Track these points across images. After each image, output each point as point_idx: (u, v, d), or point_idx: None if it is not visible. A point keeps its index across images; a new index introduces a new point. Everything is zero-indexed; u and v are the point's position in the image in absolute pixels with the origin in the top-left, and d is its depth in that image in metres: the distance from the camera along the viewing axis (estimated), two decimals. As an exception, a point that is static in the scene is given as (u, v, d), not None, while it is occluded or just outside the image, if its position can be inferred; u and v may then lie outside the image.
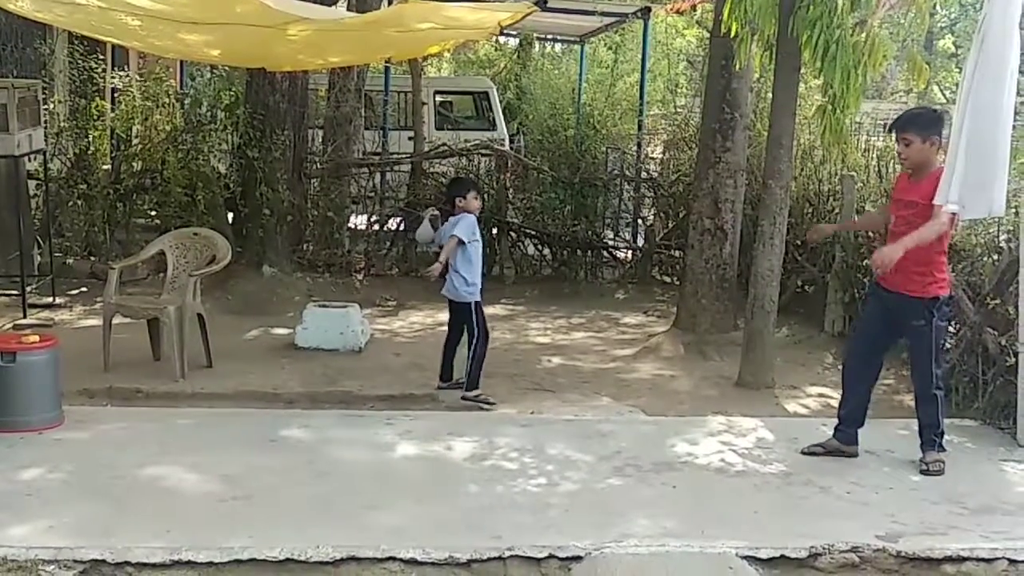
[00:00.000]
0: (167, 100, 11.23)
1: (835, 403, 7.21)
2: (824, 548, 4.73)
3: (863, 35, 6.98)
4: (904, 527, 5.00)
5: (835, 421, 6.13)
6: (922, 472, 5.77)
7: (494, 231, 11.41)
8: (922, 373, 5.86)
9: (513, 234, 11.57)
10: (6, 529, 4.63)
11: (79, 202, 10.87)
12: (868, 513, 5.20)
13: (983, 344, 6.88)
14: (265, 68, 9.62)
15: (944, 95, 27.50)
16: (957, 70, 26.38)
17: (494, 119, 16.68)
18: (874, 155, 9.91)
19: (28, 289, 9.15)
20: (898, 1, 8.43)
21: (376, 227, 11.73)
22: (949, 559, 4.75)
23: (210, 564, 4.42)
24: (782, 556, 4.68)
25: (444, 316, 9.06)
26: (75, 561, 4.40)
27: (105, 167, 11.12)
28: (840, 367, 7.16)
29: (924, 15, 8.22)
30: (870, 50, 6.90)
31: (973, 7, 24.15)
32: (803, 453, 6.03)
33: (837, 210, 9.16)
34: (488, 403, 6.95)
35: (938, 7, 20.85)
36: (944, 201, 6.28)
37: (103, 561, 4.40)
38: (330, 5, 8.50)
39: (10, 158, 9.09)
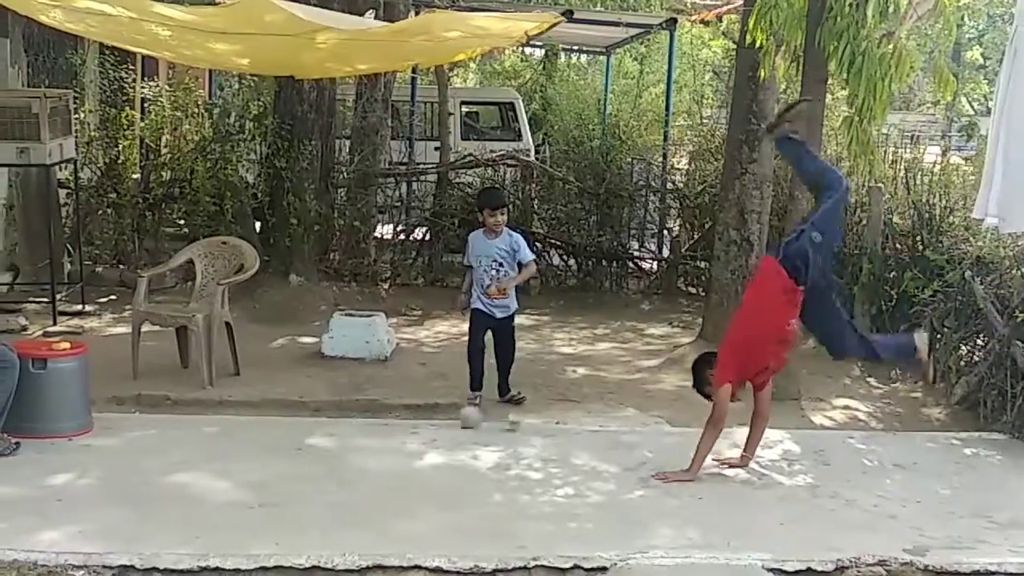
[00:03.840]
0: (196, 110, 11.33)
1: (862, 415, 7.23)
2: (851, 561, 4.70)
3: (890, 46, 6.96)
4: (932, 541, 4.97)
5: (860, 434, 6.08)
6: None
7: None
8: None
9: (538, 244, 11.56)
10: (36, 534, 4.67)
11: (109, 211, 10.98)
12: (895, 526, 5.18)
13: (1012, 357, 6.83)
14: (293, 76, 9.68)
15: (972, 107, 27.36)
16: (985, 82, 26.25)
17: (520, 130, 16.70)
18: (901, 166, 9.87)
19: (58, 297, 9.23)
20: (926, 12, 8.39)
21: (402, 237, 11.77)
22: (977, 573, 4.72)
23: (237, 571, 4.45)
24: (808, 569, 4.66)
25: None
26: (104, 567, 4.44)
27: (135, 176, 11.22)
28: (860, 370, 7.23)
29: (952, 27, 8.18)
30: (897, 62, 6.88)
31: (1001, 18, 24.02)
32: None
33: (864, 221, 9.13)
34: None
35: (966, 18, 20.73)
36: (983, 214, 6.26)
37: (132, 567, 4.44)
38: (360, 15, 8.56)
39: (41, 167, 9.19)
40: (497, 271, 7.08)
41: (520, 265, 7.19)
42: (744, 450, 5.93)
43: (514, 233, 7.25)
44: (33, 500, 5.11)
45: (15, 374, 5.70)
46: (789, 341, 5.81)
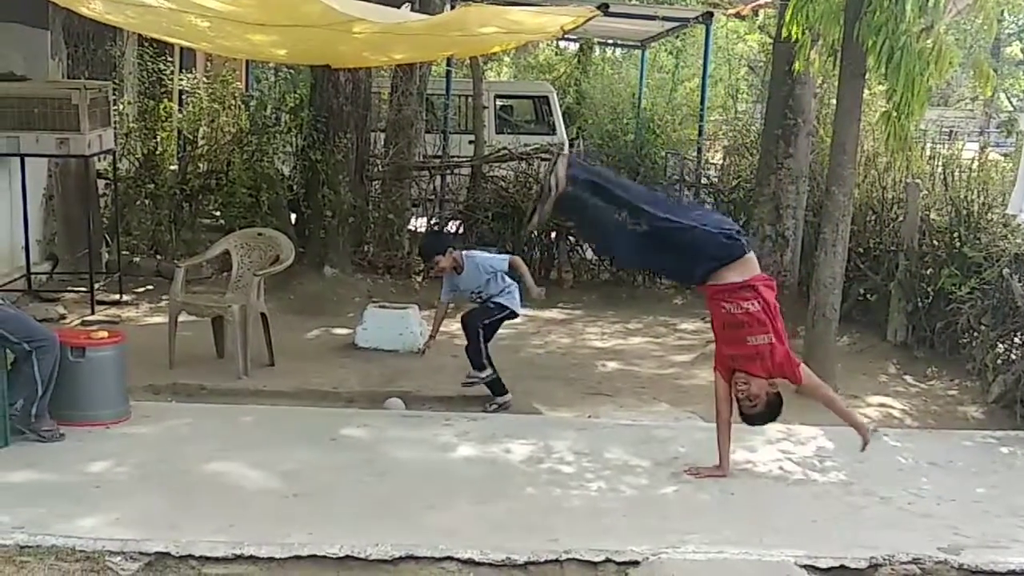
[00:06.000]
0: (233, 102, 11.41)
1: (897, 413, 7.16)
2: (885, 559, 4.67)
3: (929, 41, 6.90)
4: (967, 539, 4.93)
5: (895, 431, 6.04)
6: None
7: (552, 235, 11.43)
8: None
9: (571, 238, 11.57)
10: (74, 520, 4.73)
11: (146, 202, 11.08)
12: (930, 525, 5.13)
13: (1050, 356, 6.77)
14: (329, 66, 9.72)
15: (1011, 102, 27.03)
16: (1025, 77, 25.94)
17: (554, 123, 16.70)
18: (939, 162, 9.78)
19: (96, 286, 9.34)
20: (965, 7, 8.31)
21: (436, 230, 11.80)
22: (1013, 573, 4.67)
23: (271, 559, 4.48)
24: (842, 566, 4.64)
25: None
26: (140, 553, 4.48)
27: (172, 168, 11.32)
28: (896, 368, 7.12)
29: (992, 21, 8.09)
30: (936, 57, 6.82)
31: (1043, 13, 23.70)
32: None
33: (901, 217, 9.06)
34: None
35: (1006, 13, 20.48)
36: (1017, 210, 6.21)
37: (167, 554, 4.48)
38: (396, 7, 8.57)
39: (81, 158, 9.29)
40: (480, 295, 7.14)
41: (507, 274, 7.15)
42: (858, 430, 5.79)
43: (474, 256, 7.18)
44: (71, 487, 5.18)
45: (56, 353, 5.77)
46: (742, 323, 5.46)
